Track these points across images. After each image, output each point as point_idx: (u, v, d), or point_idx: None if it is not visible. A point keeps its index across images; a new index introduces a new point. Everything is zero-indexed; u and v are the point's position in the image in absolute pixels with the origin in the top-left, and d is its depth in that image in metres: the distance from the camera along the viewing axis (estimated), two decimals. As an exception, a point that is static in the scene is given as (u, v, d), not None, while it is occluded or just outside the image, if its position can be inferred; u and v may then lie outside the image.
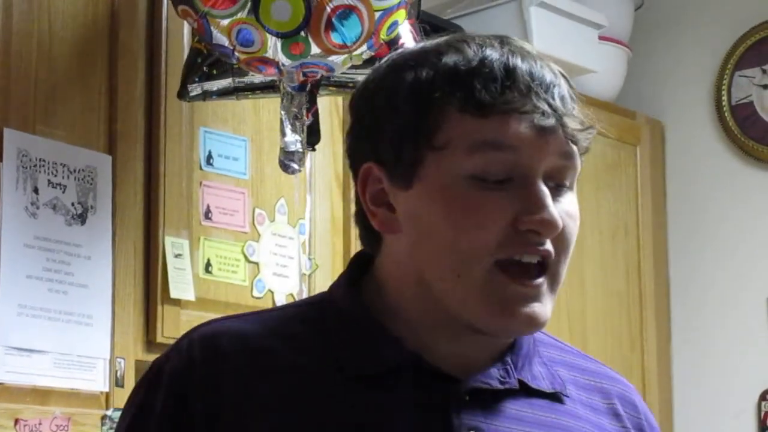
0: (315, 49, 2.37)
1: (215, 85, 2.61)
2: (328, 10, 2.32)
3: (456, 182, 1.33)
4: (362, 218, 1.42)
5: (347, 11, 2.29)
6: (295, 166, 2.50)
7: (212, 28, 2.37)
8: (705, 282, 3.79)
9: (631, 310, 3.72)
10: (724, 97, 3.76)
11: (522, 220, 1.30)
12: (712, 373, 3.75)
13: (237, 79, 2.59)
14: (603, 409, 1.46)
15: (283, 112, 2.51)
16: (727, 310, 3.76)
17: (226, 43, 2.38)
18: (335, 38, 2.34)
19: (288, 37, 2.36)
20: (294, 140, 2.51)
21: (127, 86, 2.66)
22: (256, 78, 2.57)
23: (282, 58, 2.38)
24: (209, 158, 2.76)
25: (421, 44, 1.42)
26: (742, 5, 3.77)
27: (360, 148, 1.42)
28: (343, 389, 1.37)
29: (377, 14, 2.37)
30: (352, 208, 1.57)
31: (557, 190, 1.34)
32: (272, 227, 2.83)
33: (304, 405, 1.35)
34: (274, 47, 2.36)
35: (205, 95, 2.62)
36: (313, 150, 2.61)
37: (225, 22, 2.35)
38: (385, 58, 1.43)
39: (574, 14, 3.40)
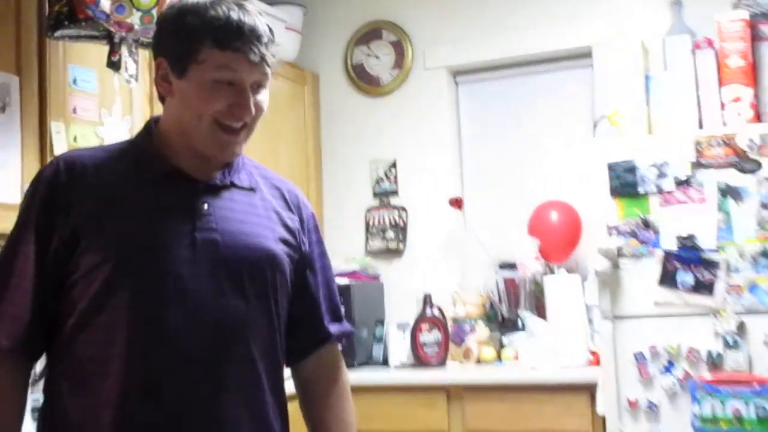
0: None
1: (70, 32, 2.97)
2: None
3: (205, 81, 1.73)
4: (158, 89, 1.80)
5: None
6: (134, 81, 3.14)
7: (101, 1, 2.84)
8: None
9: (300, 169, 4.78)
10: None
11: (235, 105, 1.74)
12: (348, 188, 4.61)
13: (83, 31, 2.99)
14: (279, 197, 1.91)
15: (126, 52, 3.04)
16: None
17: (108, 10, 2.87)
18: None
19: (145, 12, 2.90)
20: (133, 67, 3.09)
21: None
22: (92, 32, 2.96)
23: (136, 23, 2.93)
24: (75, 81, 3.34)
25: (193, 1, 1.71)
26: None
27: (159, 50, 1.79)
28: (141, 185, 1.75)
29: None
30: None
31: (257, 90, 1.76)
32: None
33: (120, 194, 1.73)
34: (134, 16, 2.89)
35: (63, 37, 3.00)
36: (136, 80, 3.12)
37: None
38: (174, 5, 1.75)
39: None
